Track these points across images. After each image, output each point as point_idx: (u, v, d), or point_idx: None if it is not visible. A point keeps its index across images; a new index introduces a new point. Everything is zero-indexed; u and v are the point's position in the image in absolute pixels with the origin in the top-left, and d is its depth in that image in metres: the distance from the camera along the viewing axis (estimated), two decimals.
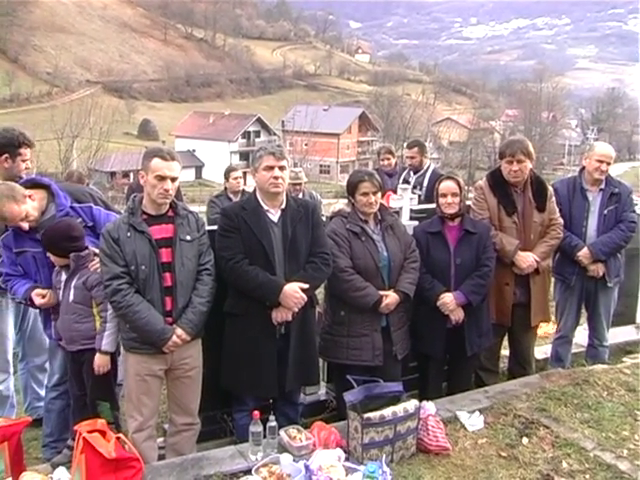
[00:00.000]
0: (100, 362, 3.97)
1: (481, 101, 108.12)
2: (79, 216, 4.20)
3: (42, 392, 5.14)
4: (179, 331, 3.84)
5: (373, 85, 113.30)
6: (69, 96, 79.74)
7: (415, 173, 7.51)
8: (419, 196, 7.01)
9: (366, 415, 3.75)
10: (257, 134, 71.38)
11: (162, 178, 3.79)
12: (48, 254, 3.97)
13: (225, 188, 7.96)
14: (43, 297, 4.09)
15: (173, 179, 3.83)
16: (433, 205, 4.99)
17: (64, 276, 3.93)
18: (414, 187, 7.17)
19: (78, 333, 3.95)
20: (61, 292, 3.93)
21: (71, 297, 3.93)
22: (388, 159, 7.95)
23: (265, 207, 4.15)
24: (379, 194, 4.51)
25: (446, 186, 4.74)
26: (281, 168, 4.10)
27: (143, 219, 3.84)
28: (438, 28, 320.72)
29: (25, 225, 4.03)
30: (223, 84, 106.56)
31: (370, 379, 4.01)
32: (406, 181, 7.32)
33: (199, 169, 65.75)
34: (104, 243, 3.81)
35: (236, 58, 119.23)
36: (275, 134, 69.57)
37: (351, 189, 4.52)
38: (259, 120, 72.07)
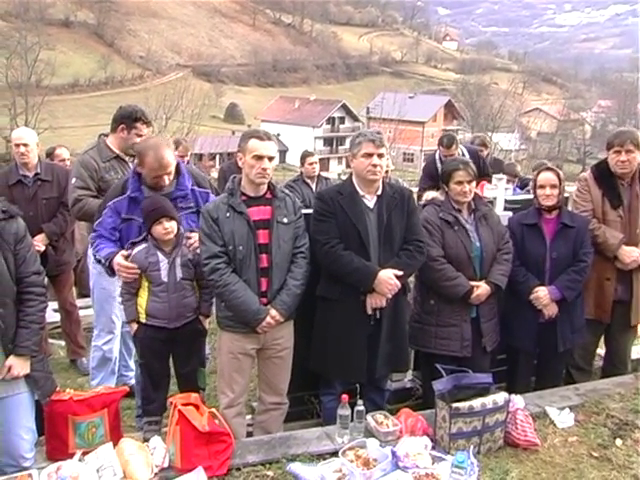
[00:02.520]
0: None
1: (572, 91, 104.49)
2: (196, 199, 4.33)
3: (131, 362, 5.37)
4: (273, 312, 3.90)
5: (460, 73, 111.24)
6: (160, 79, 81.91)
7: None
8: None
9: (455, 405, 3.74)
10: (342, 120, 71.46)
11: (259, 157, 3.85)
12: (156, 227, 3.96)
13: (301, 173, 7.99)
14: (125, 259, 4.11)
15: (270, 158, 3.89)
16: (530, 196, 4.89)
17: (160, 257, 3.99)
18: None
19: (185, 308, 4.04)
20: (164, 272, 3.98)
21: (179, 275, 4.01)
22: (481, 150, 7.81)
23: (361, 193, 4.16)
24: (474, 183, 4.45)
25: (545, 177, 4.63)
26: (380, 156, 4.10)
27: (242, 200, 3.91)
28: (530, 15, 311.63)
29: (166, 181, 4.18)
30: (309, 69, 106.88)
31: (459, 369, 3.99)
32: None
33: (283, 153, 66.28)
34: (204, 222, 3.90)
35: (323, 44, 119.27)
36: (360, 121, 69.57)
37: (445, 177, 4.47)
38: (344, 106, 72.03)
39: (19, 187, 5.66)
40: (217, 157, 42.20)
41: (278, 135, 68.29)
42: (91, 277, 5.12)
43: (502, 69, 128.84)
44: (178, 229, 4.04)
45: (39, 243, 5.51)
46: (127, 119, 4.92)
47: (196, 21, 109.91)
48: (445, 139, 7.27)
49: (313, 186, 7.67)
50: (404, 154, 59.28)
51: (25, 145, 5.64)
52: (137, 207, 4.17)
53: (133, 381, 5.28)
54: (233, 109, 79.30)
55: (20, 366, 3.45)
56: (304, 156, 7.90)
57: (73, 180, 4.90)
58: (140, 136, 4.94)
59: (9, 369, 3.43)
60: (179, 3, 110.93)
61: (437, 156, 7.38)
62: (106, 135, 5.08)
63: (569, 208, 5.05)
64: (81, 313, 6.30)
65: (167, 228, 3.95)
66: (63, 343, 6.37)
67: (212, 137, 45.03)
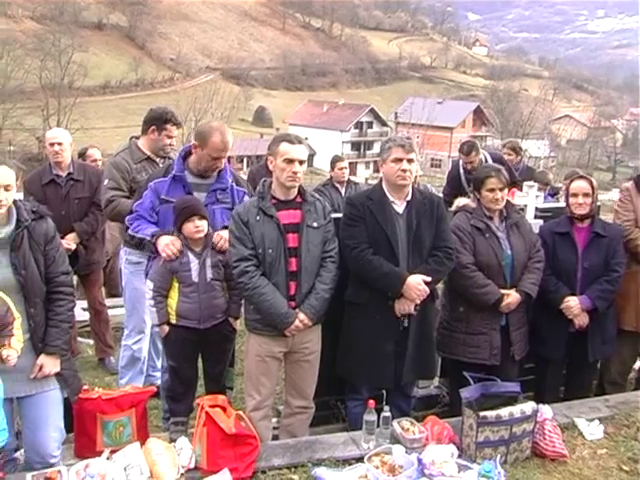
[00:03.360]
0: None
1: (603, 98, 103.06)
2: (233, 196, 4.36)
3: (159, 362, 5.38)
4: (302, 316, 3.90)
5: (489, 79, 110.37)
6: (190, 82, 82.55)
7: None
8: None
9: (482, 413, 3.71)
10: (370, 125, 71.36)
11: (290, 161, 3.86)
12: (187, 224, 3.99)
13: (330, 177, 7.98)
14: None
15: (301, 162, 3.90)
16: (561, 204, 4.84)
17: (191, 257, 4.00)
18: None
19: (216, 309, 4.06)
20: (194, 272, 4.00)
21: (209, 275, 4.02)
22: (509, 154, 7.75)
23: (391, 198, 4.15)
24: (506, 190, 4.42)
25: (578, 186, 4.58)
26: (409, 161, 4.09)
27: (272, 204, 3.92)
28: (562, 21, 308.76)
29: (223, 163, 4.24)
30: (338, 74, 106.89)
31: (487, 377, 3.95)
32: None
33: (311, 157, 66.33)
34: (234, 225, 3.91)
35: (352, 48, 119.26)
36: (388, 125, 69.43)
37: (477, 184, 4.45)
38: (372, 111, 71.94)
39: (52, 186, 5.73)
40: (245, 160, 42.40)
41: (306, 139, 67.63)
42: (123, 277, 5.18)
43: (532, 75, 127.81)
44: (208, 230, 4.05)
45: (70, 242, 5.58)
46: (158, 121, 4.99)
47: (226, 24, 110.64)
48: (465, 146, 7.26)
49: (342, 191, 7.66)
50: (432, 160, 59.02)
51: (59, 144, 5.72)
52: (178, 189, 4.22)
53: (160, 381, 5.33)
54: (261, 112, 79.60)
55: (51, 365, 3.49)
56: (334, 161, 7.89)
57: (106, 181, 4.97)
58: (170, 137, 5.03)
59: (40, 368, 3.47)
60: (210, 6, 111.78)
61: (460, 163, 7.35)
62: (137, 137, 5.15)
63: (601, 217, 4.98)
64: (109, 313, 6.37)
65: (198, 226, 3.97)
66: (91, 342, 6.44)
67: (240, 140, 45.24)
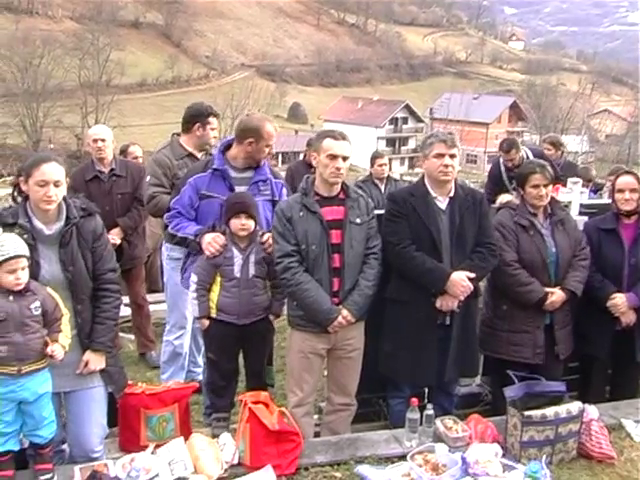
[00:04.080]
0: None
1: None
2: (272, 188, 4.38)
3: (199, 358, 5.43)
4: (345, 312, 3.89)
5: (526, 74, 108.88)
6: (225, 79, 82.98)
7: (517, 167, 7.25)
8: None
9: (527, 413, 3.68)
10: (405, 121, 70.97)
11: (334, 157, 3.85)
12: (235, 220, 3.98)
13: (370, 174, 7.95)
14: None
15: (344, 158, 3.89)
16: (606, 200, 4.74)
17: (235, 252, 4.00)
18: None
19: (256, 305, 4.05)
20: (237, 267, 3.99)
21: (252, 272, 4.02)
22: (549, 149, 7.63)
23: (433, 194, 4.12)
24: (550, 187, 4.35)
25: (624, 181, 4.49)
26: (452, 156, 4.05)
27: (315, 200, 3.91)
28: (601, 14, 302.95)
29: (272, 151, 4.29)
30: (372, 70, 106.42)
31: (530, 376, 3.91)
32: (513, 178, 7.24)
33: None
34: (277, 221, 3.92)
35: (387, 44, 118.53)
36: (423, 121, 68.96)
37: (521, 180, 4.39)
38: (407, 107, 71.51)
39: (95, 182, 5.80)
40: (280, 156, 42.43)
41: None
42: (165, 272, 5.23)
43: (570, 70, 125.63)
44: (255, 226, 4.05)
45: (115, 237, 5.65)
46: (200, 117, 5.06)
47: (261, 21, 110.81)
48: (505, 144, 7.23)
49: (382, 187, 7.63)
50: (468, 156, 58.45)
51: (102, 140, 5.79)
52: (219, 183, 4.23)
53: (201, 377, 5.36)
54: (296, 109, 79.62)
55: (96, 361, 3.53)
56: (374, 157, 7.86)
57: (148, 178, 5.05)
58: (213, 130, 5.10)
59: (86, 364, 3.51)
60: (245, 4, 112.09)
61: (501, 161, 7.30)
62: (178, 134, 5.18)
63: None
64: (150, 308, 6.43)
65: (244, 224, 3.96)
66: (133, 337, 6.51)
67: (276, 136, 45.24)
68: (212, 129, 5.11)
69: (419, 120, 70.29)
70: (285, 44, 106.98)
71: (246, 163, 4.30)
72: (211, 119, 5.09)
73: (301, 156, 8.19)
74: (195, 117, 5.06)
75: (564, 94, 70.88)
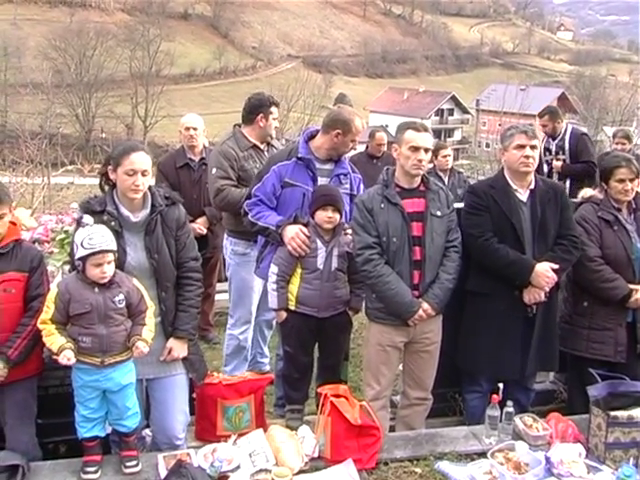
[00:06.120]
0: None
1: None
2: (351, 182, 4.35)
3: (266, 349, 5.44)
4: (425, 305, 3.85)
5: (574, 65, 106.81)
6: (271, 69, 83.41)
7: (553, 140, 7.48)
8: (564, 160, 7.25)
9: (613, 413, 3.55)
10: (450, 112, 70.33)
11: (416, 149, 3.80)
12: (321, 212, 3.95)
13: (433, 165, 7.62)
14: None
15: (426, 150, 3.85)
16: None
17: (319, 244, 3.96)
18: (556, 153, 7.35)
19: (336, 299, 4.02)
20: (320, 259, 3.96)
21: (334, 264, 3.99)
22: (623, 144, 7.42)
23: (514, 186, 4.06)
24: (636, 181, 4.22)
25: None
26: (532, 147, 4.00)
27: (396, 192, 3.87)
28: None
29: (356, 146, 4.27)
30: (418, 61, 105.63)
31: (614, 375, 3.79)
32: (547, 149, 7.45)
33: (390, 145, 65.87)
34: (358, 213, 3.88)
35: (433, 35, 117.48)
36: (469, 113, 68.17)
37: (605, 175, 4.27)
38: (453, 98, 70.88)
39: (186, 170, 5.85)
40: None
41: (386, 126, 67.61)
42: (229, 267, 5.19)
43: (620, 60, 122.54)
44: (340, 220, 4.01)
45: (201, 226, 5.67)
46: (263, 107, 4.99)
47: (307, 12, 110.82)
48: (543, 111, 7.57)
49: (445, 179, 7.48)
50: None
51: (194, 129, 5.85)
52: (302, 172, 4.20)
53: (268, 367, 5.37)
54: (342, 99, 78.10)
55: (179, 349, 3.55)
56: (437, 148, 7.61)
57: (214, 170, 4.95)
58: (275, 120, 5.04)
59: (169, 351, 3.53)
60: None
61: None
62: (239, 125, 5.13)
63: None
64: None
65: (331, 217, 3.93)
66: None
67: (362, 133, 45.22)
68: (274, 119, 5.06)
69: (465, 111, 69.59)
70: (331, 35, 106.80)
71: (328, 155, 4.25)
72: (273, 109, 5.03)
73: (364, 148, 8.06)
74: (258, 108, 5.00)
75: (614, 85, 69.20)
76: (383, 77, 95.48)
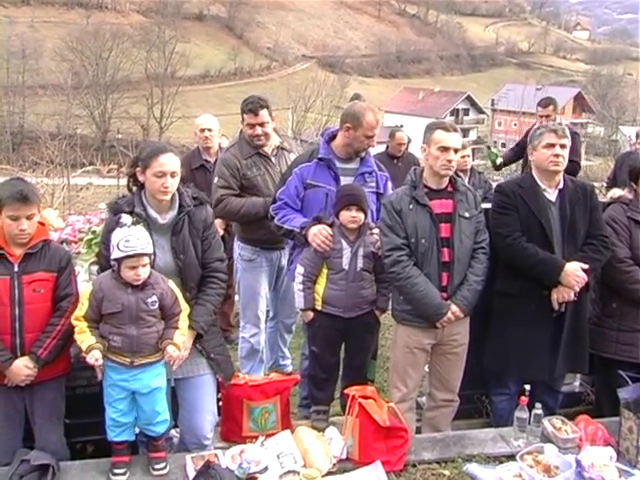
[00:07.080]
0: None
1: None
2: (377, 180, 4.31)
3: (287, 351, 5.44)
4: (454, 307, 3.82)
5: (591, 64, 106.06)
6: (286, 70, 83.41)
7: None
8: None
9: None
10: (466, 112, 70.02)
11: (445, 149, 3.78)
12: (345, 212, 3.92)
13: None
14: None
15: (456, 150, 3.81)
16: None
17: (344, 244, 3.94)
18: None
19: (362, 299, 4.00)
20: (345, 260, 3.93)
21: (360, 264, 3.96)
22: None
23: (542, 186, 4.02)
24: None
25: None
26: (562, 146, 3.96)
27: (424, 193, 3.84)
28: None
29: (374, 143, 4.21)
30: (433, 61, 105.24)
31: None
32: None
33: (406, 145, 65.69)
34: (386, 214, 3.86)
35: (447, 34, 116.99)
36: (484, 113, 67.87)
37: (635, 175, 4.23)
38: (468, 98, 70.52)
39: (201, 171, 5.85)
40: None
41: (401, 126, 67.13)
42: (237, 272, 5.18)
43: (637, 59, 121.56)
44: (365, 220, 3.98)
45: (218, 228, 5.66)
46: (242, 113, 4.84)
47: (322, 13, 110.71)
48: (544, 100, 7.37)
49: (465, 180, 7.43)
50: None
51: (209, 130, 5.84)
52: (324, 173, 4.18)
53: (290, 369, 5.36)
54: (357, 99, 79.21)
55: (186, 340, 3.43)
56: None
57: (216, 179, 4.91)
58: (255, 126, 4.78)
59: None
60: None
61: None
62: None
63: None
64: None
65: (355, 217, 3.90)
66: None
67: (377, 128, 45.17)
68: (248, 125, 4.79)
69: (480, 111, 69.28)
70: (346, 35, 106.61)
71: (346, 152, 4.22)
72: (245, 115, 4.79)
73: (385, 147, 8.05)
74: (241, 114, 4.84)
75: (631, 84, 68.66)
76: (398, 77, 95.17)
